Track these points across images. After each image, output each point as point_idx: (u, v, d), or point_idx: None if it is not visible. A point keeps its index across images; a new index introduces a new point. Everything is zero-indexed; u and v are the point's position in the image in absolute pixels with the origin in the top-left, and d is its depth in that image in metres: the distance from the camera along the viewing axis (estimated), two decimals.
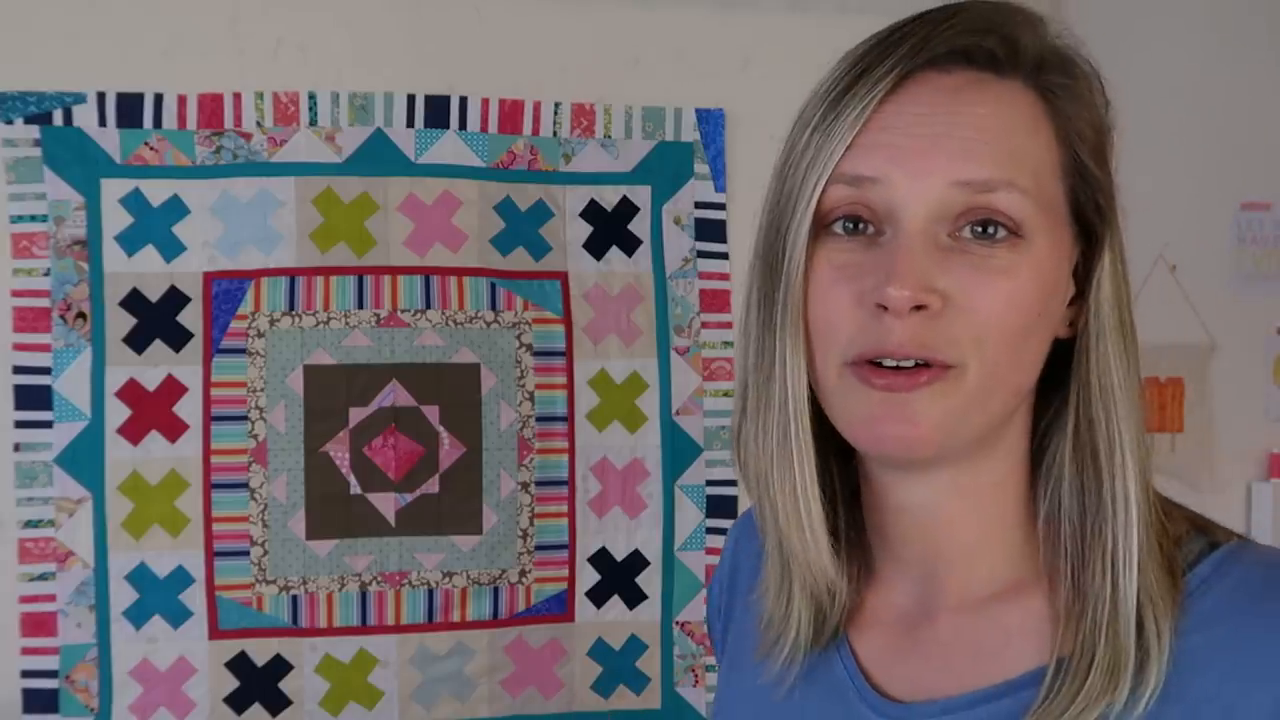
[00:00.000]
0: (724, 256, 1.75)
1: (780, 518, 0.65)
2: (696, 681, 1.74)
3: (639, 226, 1.73)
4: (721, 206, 1.75)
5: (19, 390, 1.58)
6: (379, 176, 1.66)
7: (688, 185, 1.74)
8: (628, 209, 1.73)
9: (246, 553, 1.62)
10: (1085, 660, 0.58)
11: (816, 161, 0.60)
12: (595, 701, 1.71)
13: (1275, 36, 2.09)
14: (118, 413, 1.60)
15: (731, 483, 1.75)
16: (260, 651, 1.62)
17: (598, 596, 1.71)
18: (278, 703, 1.63)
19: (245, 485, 1.62)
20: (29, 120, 1.57)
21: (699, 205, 1.75)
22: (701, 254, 1.75)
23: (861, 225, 0.60)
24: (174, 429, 1.61)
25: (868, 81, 0.60)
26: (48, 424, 1.58)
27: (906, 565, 0.68)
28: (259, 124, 1.63)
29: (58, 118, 1.58)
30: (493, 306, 1.68)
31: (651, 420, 1.73)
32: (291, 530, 1.63)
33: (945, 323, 0.58)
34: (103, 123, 1.59)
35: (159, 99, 1.60)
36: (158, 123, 1.60)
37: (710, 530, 1.74)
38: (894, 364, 0.59)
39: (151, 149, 1.60)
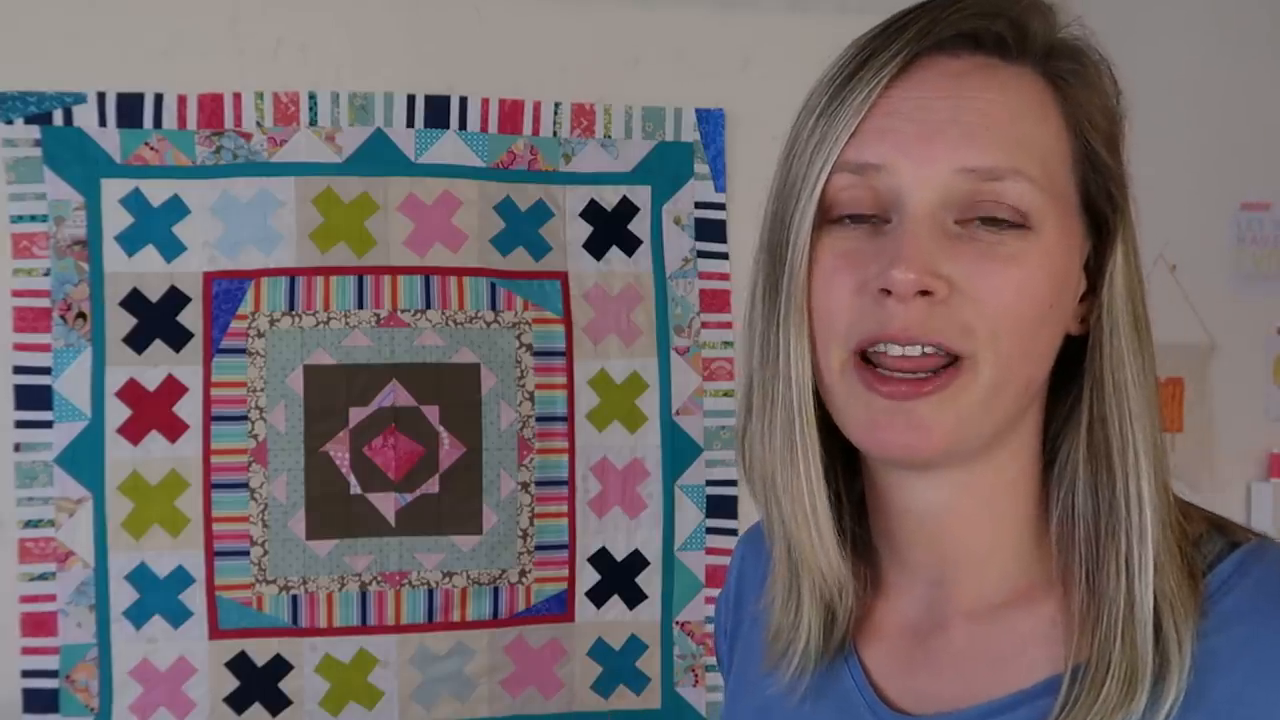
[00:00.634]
0: (724, 256, 1.75)
1: (786, 516, 0.64)
2: (696, 681, 1.74)
3: (639, 226, 1.73)
4: (721, 206, 1.75)
5: (19, 390, 1.58)
6: (379, 176, 1.66)
7: (688, 185, 1.74)
8: (628, 209, 1.73)
9: (246, 553, 1.62)
10: (1101, 669, 0.56)
11: (821, 148, 0.59)
12: (595, 701, 1.71)
13: (1276, 36, 2.08)
14: (118, 413, 1.59)
15: (732, 483, 1.75)
16: (260, 651, 1.62)
17: (598, 596, 1.71)
18: (278, 703, 1.63)
19: (245, 485, 1.62)
20: (29, 120, 1.57)
21: (699, 205, 1.75)
22: (701, 254, 1.75)
23: (866, 215, 0.59)
24: (174, 429, 1.61)
25: (873, 66, 0.58)
26: (48, 424, 1.58)
27: (915, 572, 0.66)
28: (259, 124, 1.63)
29: (58, 118, 1.58)
30: (493, 306, 1.68)
31: (651, 420, 1.73)
32: (291, 530, 1.63)
33: (952, 310, 0.56)
34: (103, 123, 1.59)
35: (159, 99, 1.60)
36: (158, 123, 1.60)
37: (710, 530, 1.74)
38: (900, 350, 0.57)
39: (151, 149, 1.60)
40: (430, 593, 1.66)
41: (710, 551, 1.74)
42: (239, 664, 1.62)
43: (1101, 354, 0.60)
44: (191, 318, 1.61)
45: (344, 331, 1.64)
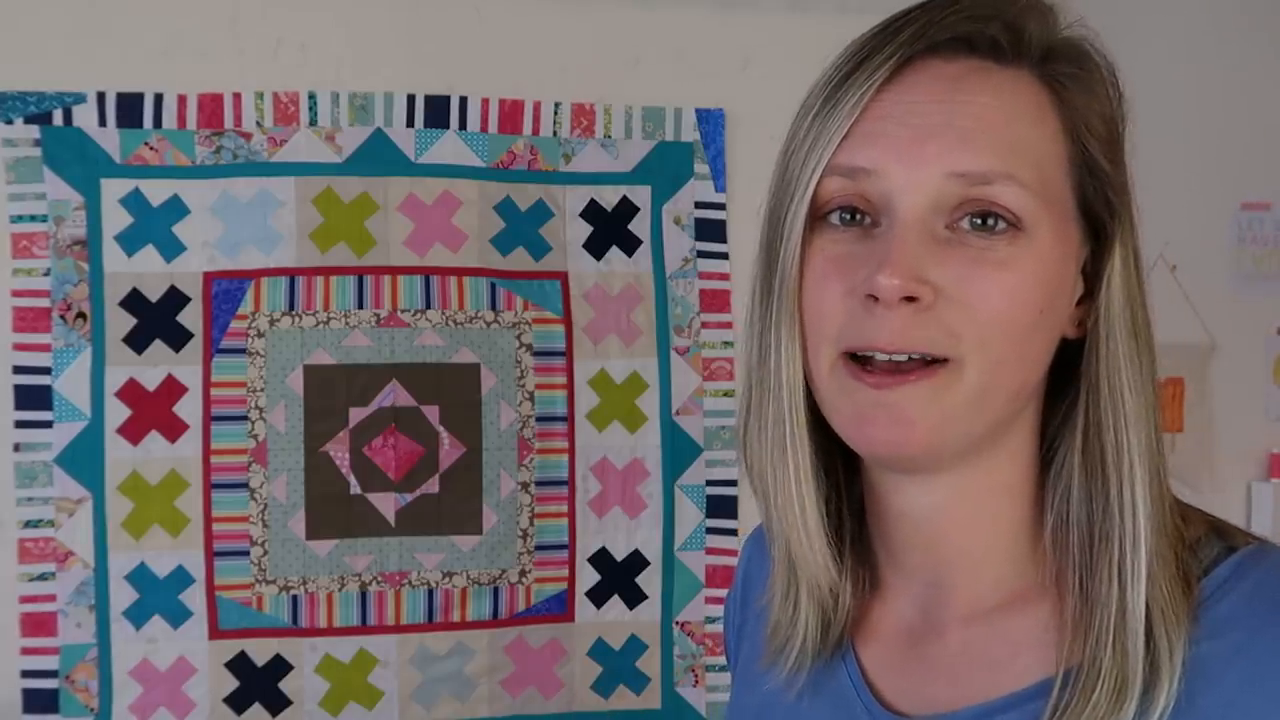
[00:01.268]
0: (724, 256, 1.75)
1: (778, 515, 0.64)
2: (696, 681, 1.74)
3: (639, 226, 1.73)
4: (721, 206, 1.75)
5: (19, 390, 1.58)
6: (379, 176, 1.66)
7: (688, 185, 1.74)
8: (628, 209, 1.73)
9: (246, 553, 1.62)
10: (1092, 675, 0.56)
11: (814, 151, 0.59)
12: (595, 701, 1.71)
13: (1275, 36, 2.09)
14: (118, 413, 1.59)
15: (732, 483, 1.75)
16: (260, 651, 1.62)
17: (598, 596, 1.71)
18: (278, 703, 1.62)
19: (245, 485, 1.62)
20: (29, 120, 1.57)
21: (699, 205, 1.75)
22: (701, 254, 1.75)
23: (858, 216, 0.59)
24: (174, 429, 1.61)
25: (866, 69, 0.58)
26: (48, 424, 1.58)
27: (911, 574, 0.66)
28: (259, 124, 1.63)
29: (58, 118, 1.58)
30: (493, 306, 1.68)
31: (651, 420, 1.73)
32: (291, 530, 1.63)
33: (937, 315, 0.56)
34: (103, 123, 1.59)
35: (159, 99, 1.60)
36: (158, 123, 1.60)
37: (710, 530, 1.74)
38: (886, 358, 0.57)
39: (151, 149, 1.60)
40: (430, 593, 1.66)
41: (710, 551, 1.74)
42: (239, 664, 1.62)
43: (1097, 359, 0.60)
44: (191, 318, 1.61)
45: (344, 331, 1.64)
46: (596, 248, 1.72)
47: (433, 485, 1.66)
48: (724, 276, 1.75)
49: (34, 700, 1.57)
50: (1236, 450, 2.09)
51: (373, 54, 1.67)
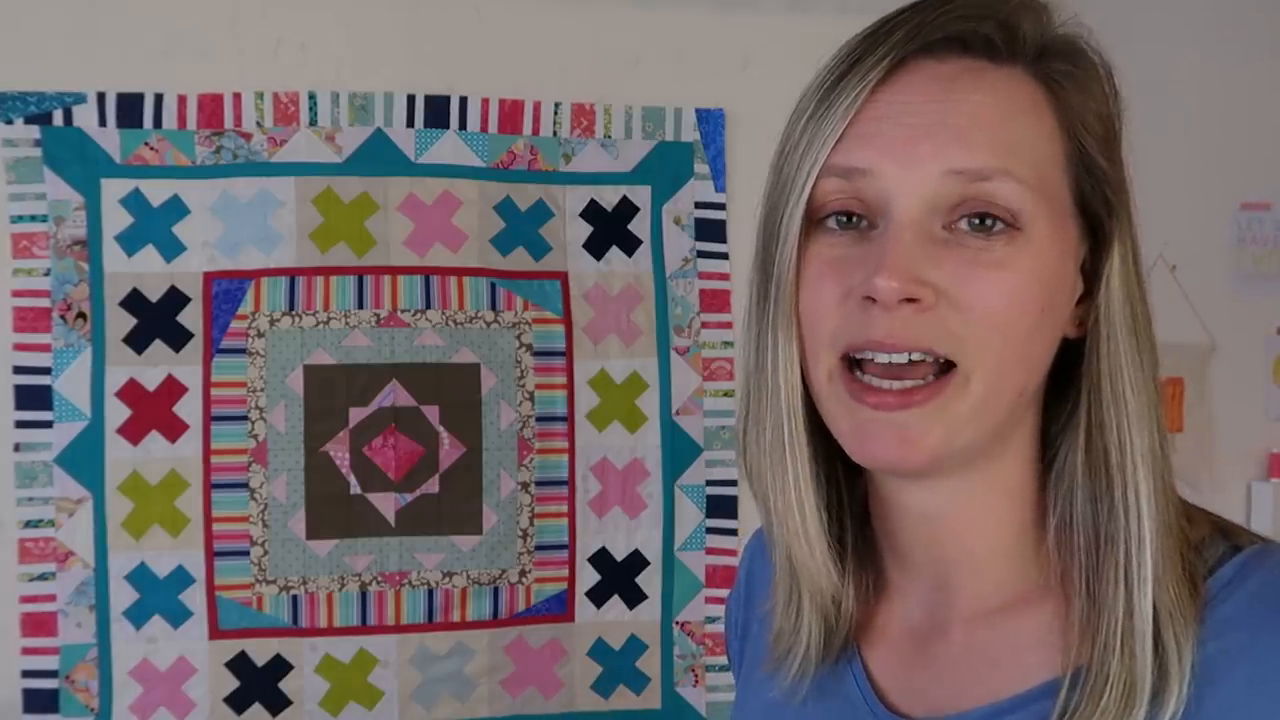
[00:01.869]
0: (724, 256, 1.75)
1: (779, 521, 0.64)
2: (696, 681, 1.74)
3: (639, 226, 1.73)
4: (721, 206, 1.75)
5: (19, 390, 1.58)
6: (379, 176, 1.66)
7: (688, 185, 1.74)
8: (628, 209, 1.73)
9: (246, 553, 1.62)
10: (1101, 679, 0.56)
11: (809, 153, 0.59)
12: (595, 701, 1.71)
13: (1275, 36, 2.08)
14: (118, 413, 1.59)
15: (732, 483, 1.75)
16: (260, 651, 1.62)
17: (598, 596, 1.71)
18: (278, 703, 1.63)
19: (245, 485, 1.62)
20: (29, 120, 1.57)
21: (699, 205, 1.75)
22: (701, 254, 1.75)
23: (855, 219, 0.58)
24: (174, 429, 1.61)
25: (860, 70, 0.58)
26: (48, 424, 1.58)
27: (916, 575, 0.66)
28: (259, 124, 1.63)
29: (58, 118, 1.58)
30: (493, 306, 1.68)
31: (651, 420, 1.73)
32: (291, 530, 1.63)
33: (939, 317, 0.56)
34: (103, 123, 1.59)
35: (159, 99, 1.60)
36: (158, 123, 1.60)
37: (710, 530, 1.74)
38: (886, 358, 0.56)
39: (151, 149, 1.60)
40: (430, 593, 1.66)
41: (710, 551, 1.74)
42: (239, 664, 1.62)
43: (1098, 358, 0.59)
44: (191, 318, 1.61)
45: (344, 331, 1.64)
46: (596, 248, 1.72)
47: (433, 485, 1.66)
48: (724, 276, 1.75)
49: (34, 700, 1.57)
50: (1236, 450, 2.09)
51: (373, 54, 1.67)
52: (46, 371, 1.58)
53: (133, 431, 1.60)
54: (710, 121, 1.74)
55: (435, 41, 1.68)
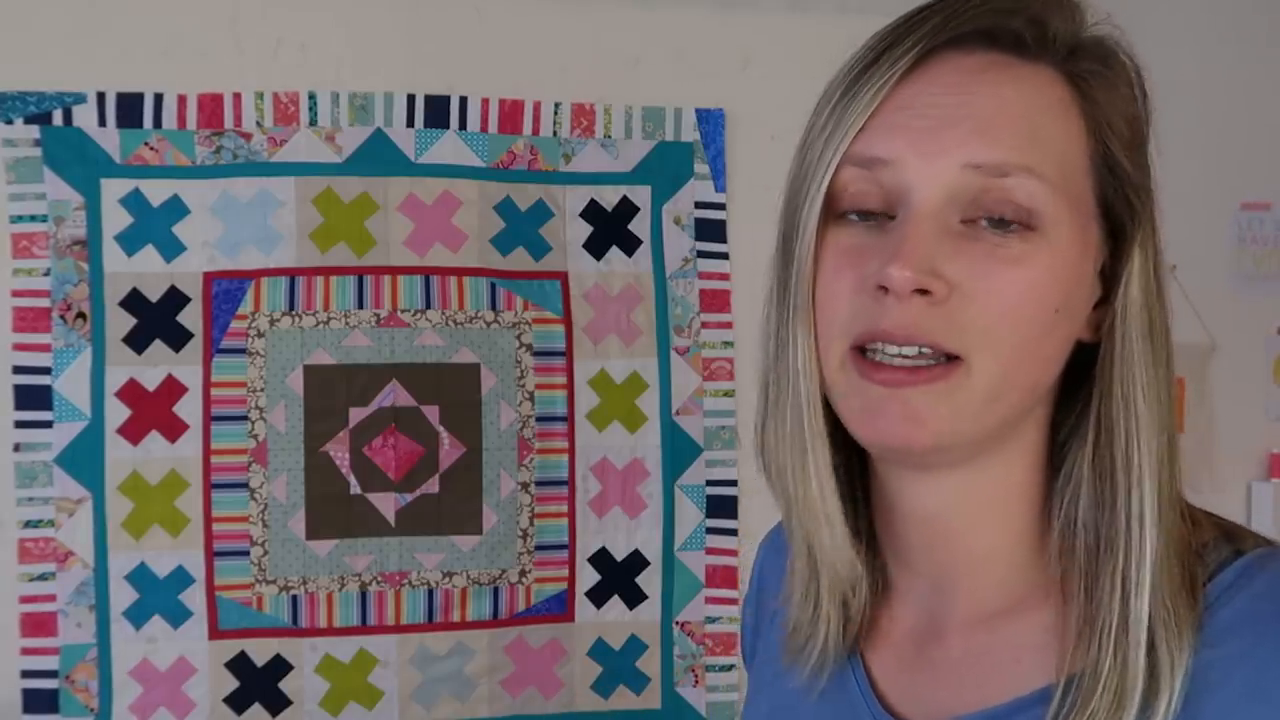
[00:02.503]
0: (724, 256, 1.75)
1: (800, 512, 0.64)
2: (696, 681, 1.74)
3: (639, 226, 1.73)
4: (721, 206, 1.75)
5: (19, 390, 1.58)
6: (379, 176, 1.66)
7: (688, 185, 1.74)
8: (628, 209, 1.73)
9: (246, 553, 1.62)
10: (1092, 683, 0.55)
11: (831, 141, 0.58)
12: (595, 701, 1.71)
13: (1276, 36, 2.08)
14: (118, 413, 1.59)
15: (732, 483, 1.75)
16: (260, 651, 1.62)
17: (598, 596, 1.71)
18: (278, 703, 1.62)
19: (245, 485, 1.62)
20: (29, 120, 1.57)
21: (699, 205, 1.75)
22: (701, 254, 1.75)
23: (874, 215, 0.58)
24: (174, 429, 1.61)
25: (886, 61, 0.57)
26: (48, 424, 1.58)
27: (918, 576, 0.66)
28: (259, 124, 1.63)
29: (58, 118, 1.58)
30: (493, 306, 1.68)
31: (651, 420, 1.73)
32: (291, 530, 1.63)
33: (951, 310, 0.55)
34: (103, 123, 1.59)
35: (159, 99, 1.60)
36: (158, 123, 1.60)
37: (710, 530, 1.74)
38: (896, 350, 0.56)
39: (151, 149, 1.60)
40: (430, 593, 1.66)
41: (710, 551, 1.74)
42: (239, 664, 1.62)
43: (1111, 363, 0.59)
44: (191, 318, 1.61)
45: (344, 331, 1.64)
46: (596, 248, 1.72)
47: (433, 485, 1.66)
48: (724, 276, 1.75)
49: (34, 700, 1.57)
50: (1236, 450, 2.09)
51: (373, 54, 1.67)
52: (46, 371, 1.58)
53: (133, 431, 1.60)
54: (710, 121, 1.74)
55: (435, 41, 1.68)
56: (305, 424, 1.63)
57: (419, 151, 1.67)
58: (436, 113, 1.67)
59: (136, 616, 1.59)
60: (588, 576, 1.71)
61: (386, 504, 1.65)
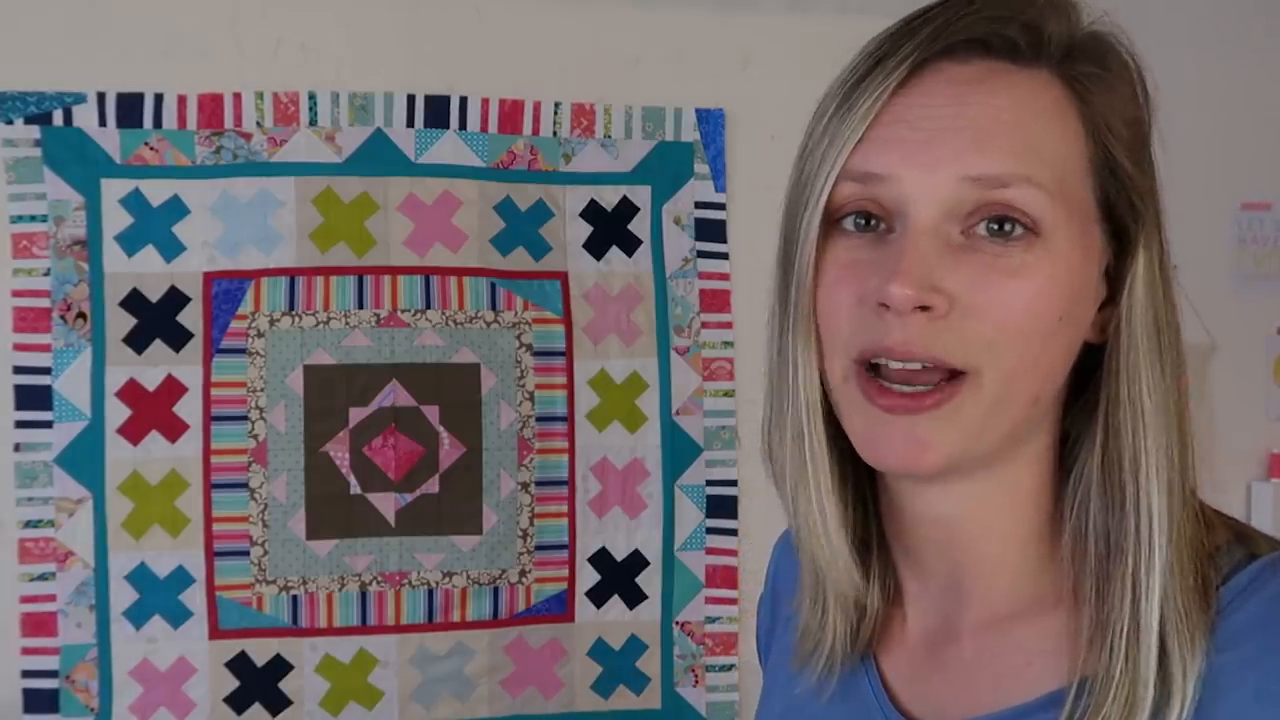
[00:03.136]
0: (724, 256, 1.75)
1: (801, 525, 0.64)
2: (696, 681, 1.74)
3: (639, 226, 1.73)
4: (721, 206, 1.75)
5: (19, 390, 1.58)
6: (379, 176, 1.65)
7: (688, 185, 1.74)
8: (628, 209, 1.73)
9: (246, 553, 1.62)
10: (1105, 689, 0.55)
11: (828, 156, 0.58)
12: (595, 701, 1.71)
13: (1276, 36, 2.08)
14: (118, 413, 1.59)
15: (732, 483, 1.75)
16: (260, 651, 1.62)
17: (598, 596, 1.71)
18: (278, 703, 1.62)
19: (245, 485, 1.62)
20: (29, 120, 1.57)
21: (699, 205, 1.75)
22: (701, 254, 1.75)
23: (872, 222, 0.58)
24: (174, 429, 1.61)
25: (881, 71, 0.57)
26: (48, 424, 1.58)
27: (929, 579, 0.66)
28: (259, 124, 1.63)
29: (58, 118, 1.58)
30: (493, 306, 1.68)
31: (651, 420, 1.73)
32: (291, 530, 1.63)
33: (952, 325, 0.55)
34: (103, 123, 1.59)
35: (159, 99, 1.60)
36: (158, 123, 1.60)
37: (710, 530, 1.74)
38: (899, 365, 0.56)
39: (151, 149, 1.60)
40: (430, 593, 1.66)
41: (710, 551, 1.74)
42: (239, 664, 1.61)
43: (1116, 364, 0.59)
44: (191, 318, 1.61)
45: (344, 331, 1.64)
46: (596, 248, 1.72)
47: (433, 485, 1.66)
48: (724, 276, 1.75)
49: (34, 700, 1.57)
50: (1236, 450, 2.09)
51: (373, 54, 1.67)
52: (46, 371, 1.58)
53: (133, 431, 1.60)
54: (710, 121, 1.74)
55: (435, 41, 1.68)
56: (305, 424, 1.62)
57: (419, 151, 1.67)
58: (436, 113, 1.67)
59: (136, 616, 1.59)
60: (588, 576, 1.71)
61: (386, 504, 1.65)
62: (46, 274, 1.58)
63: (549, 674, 1.70)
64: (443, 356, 1.66)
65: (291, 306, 1.63)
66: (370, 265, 1.65)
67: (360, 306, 1.64)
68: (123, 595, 1.59)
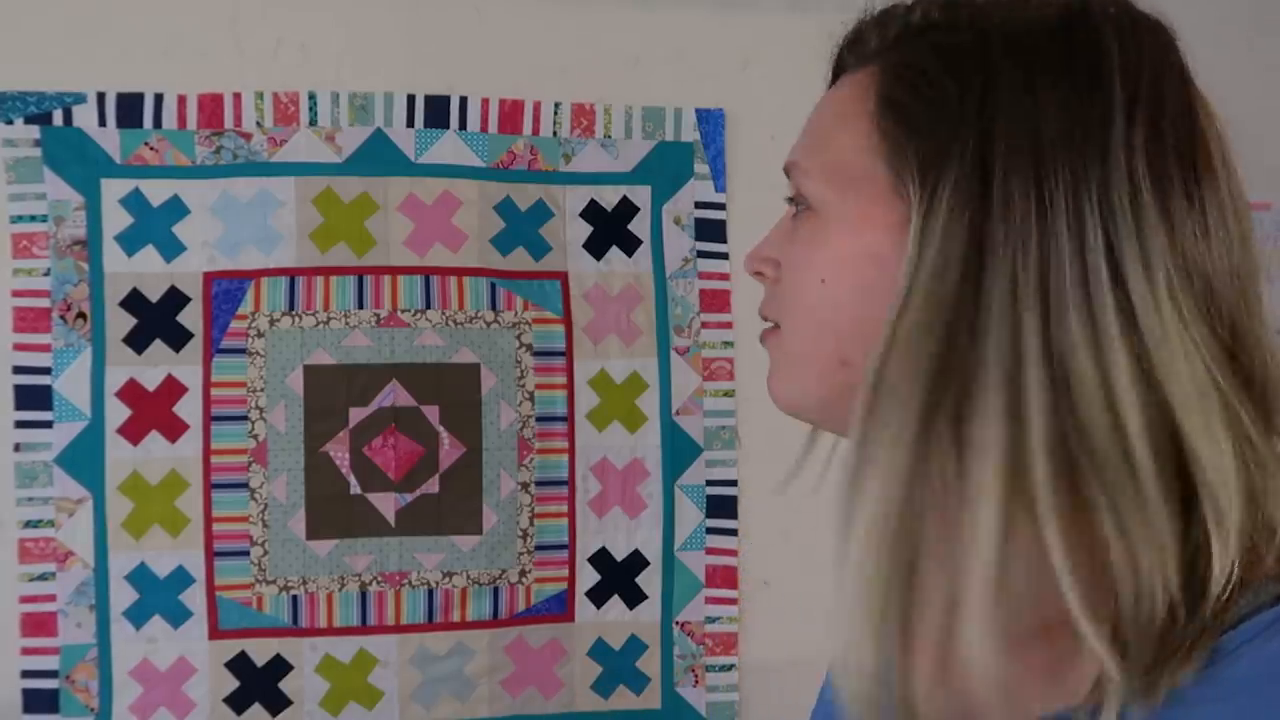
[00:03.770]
0: (724, 256, 1.75)
1: None
2: (696, 682, 1.74)
3: (639, 226, 1.73)
4: (721, 206, 1.75)
5: (19, 390, 1.58)
6: (379, 176, 1.65)
7: (688, 185, 1.74)
8: (628, 209, 1.73)
9: (246, 553, 1.62)
10: None
11: None
12: (595, 701, 1.71)
13: (1275, 36, 2.08)
14: (118, 413, 1.59)
15: (732, 483, 1.75)
16: (260, 651, 1.62)
17: (598, 596, 1.71)
18: (278, 703, 1.62)
19: (245, 485, 1.62)
20: (29, 120, 1.57)
21: (699, 205, 1.75)
22: (701, 254, 1.75)
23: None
24: (174, 429, 1.61)
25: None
26: (48, 424, 1.58)
27: None
28: (259, 124, 1.63)
29: (58, 118, 1.58)
30: (493, 306, 1.68)
31: (651, 420, 1.73)
32: (291, 530, 1.63)
33: (773, 288, 0.65)
34: (103, 123, 1.59)
35: (159, 99, 1.60)
36: (158, 123, 1.60)
37: (710, 530, 1.74)
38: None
39: (151, 149, 1.60)
40: (430, 593, 1.66)
41: (710, 551, 1.74)
42: (239, 664, 1.62)
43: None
44: (191, 318, 1.61)
45: (344, 331, 1.64)
46: (596, 248, 1.72)
47: (433, 485, 1.66)
48: (724, 276, 1.75)
49: (34, 700, 1.57)
50: None
51: (373, 54, 1.67)
52: (46, 371, 1.58)
53: (133, 431, 1.60)
54: (710, 121, 1.74)
55: (435, 41, 1.68)
56: (305, 424, 1.62)
57: (419, 151, 1.67)
58: (436, 113, 1.67)
59: (136, 616, 1.59)
60: (588, 576, 1.71)
61: (386, 504, 1.65)
62: (46, 274, 1.58)
63: (549, 674, 1.70)
64: (443, 356, 1.66)
65: (291, 306, 1.63)
66: (370, 265, 1.65)
67: (360, 306, 1.64)
68: (123, 595, 1.59)
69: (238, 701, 1.61)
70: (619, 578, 1.72)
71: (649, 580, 1.73)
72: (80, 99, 1.59)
